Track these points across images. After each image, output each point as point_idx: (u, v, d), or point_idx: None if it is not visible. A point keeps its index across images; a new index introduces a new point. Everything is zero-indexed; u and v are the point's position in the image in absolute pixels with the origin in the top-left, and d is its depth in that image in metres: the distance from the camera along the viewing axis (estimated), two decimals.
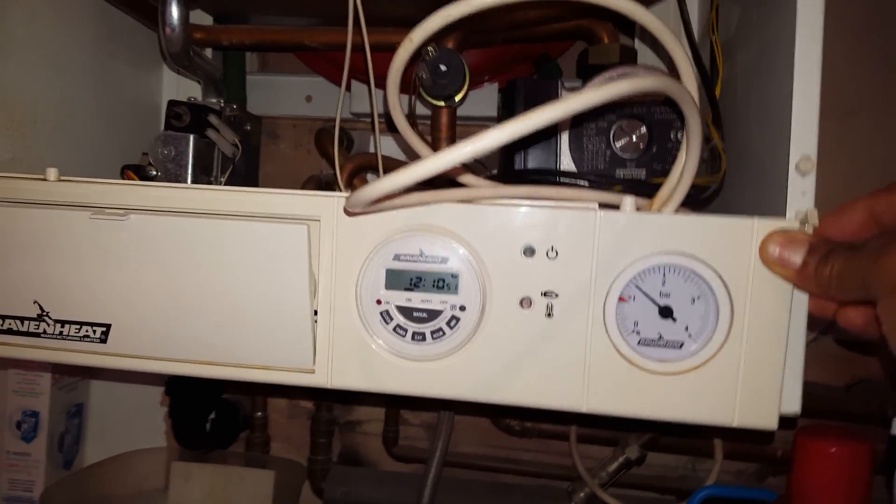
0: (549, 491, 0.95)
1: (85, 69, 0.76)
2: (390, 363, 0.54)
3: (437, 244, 0.53)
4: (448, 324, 0.53)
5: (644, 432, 0.89)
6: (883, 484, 0.70)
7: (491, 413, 0.98)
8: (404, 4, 0.73)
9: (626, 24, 0.83)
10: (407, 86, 0.80)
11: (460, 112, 0.72)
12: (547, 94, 0.64)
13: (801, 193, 0.52)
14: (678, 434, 0.92)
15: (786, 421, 0.52)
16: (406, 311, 0.53)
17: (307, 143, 1.03)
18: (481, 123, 0.95)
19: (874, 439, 0.67)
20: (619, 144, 0.64)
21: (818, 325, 0.53)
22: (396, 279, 0.53)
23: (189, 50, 0.73)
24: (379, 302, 0.54)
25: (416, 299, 0.53)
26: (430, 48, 0.62)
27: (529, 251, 0.52)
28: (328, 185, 0.83)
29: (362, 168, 0.77)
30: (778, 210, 0.53)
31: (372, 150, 0.93)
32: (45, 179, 0.57)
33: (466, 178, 0.59)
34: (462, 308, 0.53)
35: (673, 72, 0.55)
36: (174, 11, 0.70)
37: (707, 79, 0.64)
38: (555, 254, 0.51)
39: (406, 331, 0.53)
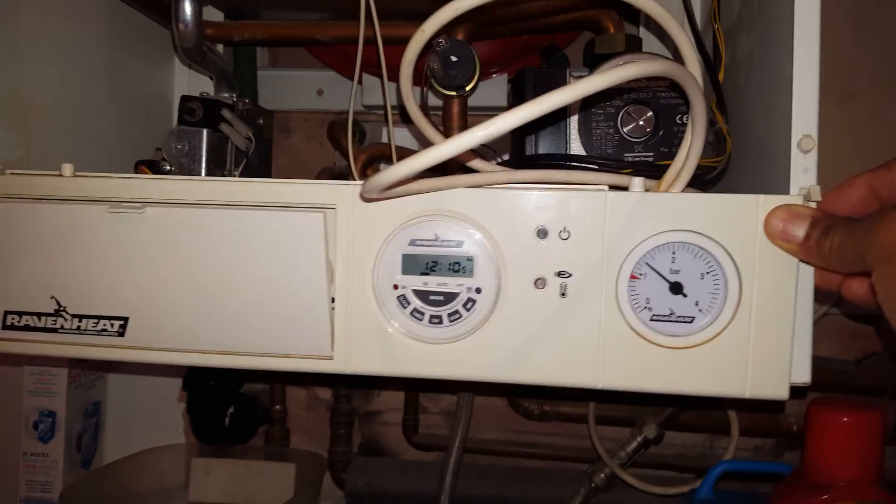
0: (568, 473, 0.96)
1: (96, 65, 0.77)
2: (408, 346, 0.55)
3: (452, 228, 0.54)
4: (464, 306, 0.54)
5: (661, 410, 0.91)
6: (894, 454, 0.71)
7: (509, 396, 1.00)
8: None
9: (630, 14, 0.84)
10: (418, 77, 0.82)
11: (471, 102, 0.74)
12: (555, 83, 0.65)
13: (803, 170, 0.53)
14: (695, 408, 0.93)
15: (799, 394, 0.53)
16: (423, 295, 0.54)
17: (319, 136, 1.04)
18: (491, 113, 0.96)
19: (886, 410, 0.68)
20: (626, 129, 0.65)
21: (827, 298, 0.54)
22: (413, 264, 0.54)
23: (202, 45, 0.74)
24: (396, 287, 0.55)
25: (433, 283, 0.54)
26: (440, 39, 0.63)
27: (542, 233, 0.53)
28: (342, 176, 0.84)
29: (375, 158, 0.79)
30: (781, 188, 0.54)
31: (384, 140, 0.94)
32: (60, 175, 0.58)
33: (478, 163, 0.61)
34: (478, 290, 0.54)
35: (678, 59, 0.56)
36: (187, 8, 0.71)
37: (710, 64, 0.65)
38: (567, 235, 0.53)
39: (423, 314, 0.55)
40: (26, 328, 0.59)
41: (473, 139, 0.41)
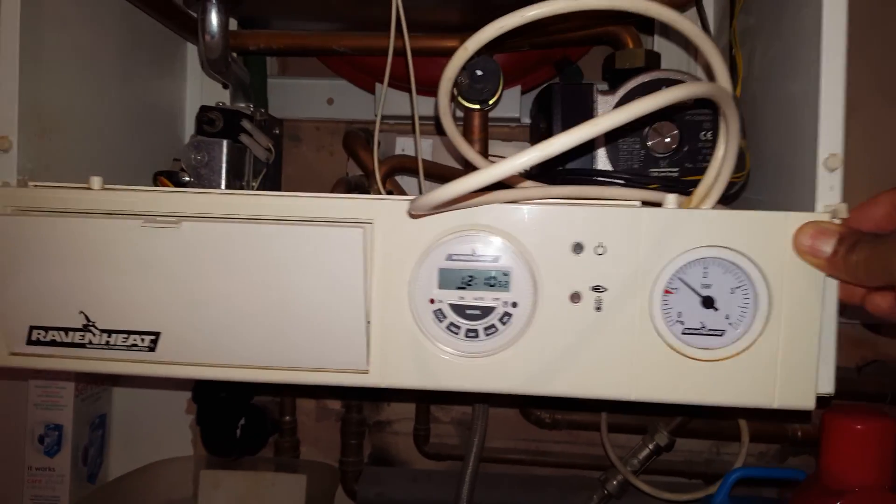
0: (581, 481, 0.97)
1: (111, 76, 0.76)
2: (444, 360, 0.56)
3: (488, 243, 0.54)
4: (500, 320, 0.55)
5: (672, 418, 0.92)
6: None
7: (521, 405, 1.00)
8: (444, 10, 0.75)
9: (644, 28, 0.86)
10: (431, 89, 0.83)
11: None
12: (582, 98, 0.66)
13: (829, 188, 0.55)
14: (705, 416, 0.95)
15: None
16: (459, 309, 0.55)
17: (329, 145, 1.04)
18: (503, 125, 0.98)
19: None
20: (651, 144, 0.66)
21: (851, 313, 0.55)
22: (449, 278, 0.55)
23: (227, 56, 0.74)
24: (432, 301, 0.55)
25: (469, 297, 0.55)
26: None
27: (578, 248, 0.54)
28: (357, 187, 0.84)
29: (395, 170, 0.79)
30: (804, 205, 0.56)
31: (398, 151, 0.95)
32: (89, 188, 0.58)
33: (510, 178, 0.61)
34: (514, 304, 0.55)
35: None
36: (214, 19, 0.71)
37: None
38: (603, 250, 0.53)
39: (459, 328, 0.55)
40: (52, 343, 0.58)
41: (532, 159, 0.42)
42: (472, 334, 0.55)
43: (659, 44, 0.87)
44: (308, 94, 1.01)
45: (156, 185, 0.74)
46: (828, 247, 0.51)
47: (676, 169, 0.66)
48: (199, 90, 0.94)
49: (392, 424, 1.07)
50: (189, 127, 0.94)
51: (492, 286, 0.55)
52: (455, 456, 1.03)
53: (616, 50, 0.74)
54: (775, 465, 1.01)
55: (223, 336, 0.57)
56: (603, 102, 0.67)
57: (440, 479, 0.98)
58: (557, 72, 0.90)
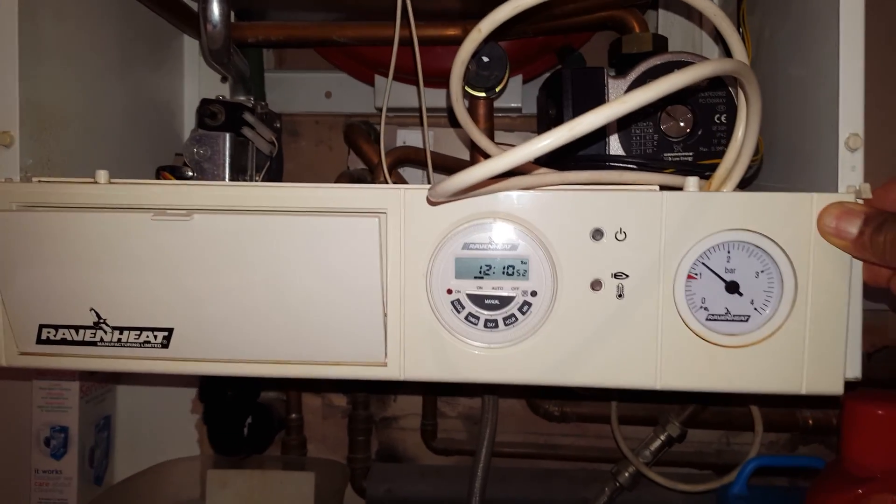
0: (592, 474, 0.96)
1: (109, 69, 0.75)
2: (464, 352, 0.55)
3: (505, 231, 0.53)
4: (520, 309, 0.54)
5: (683, 409, 0.91)
6: None
7: (529, 397, 0.99)
8: None
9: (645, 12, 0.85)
10: (432, 80, 0.81)
11: None
12: (592, 82, 0.65)
13: (850, 168, 0.54)
14: (718, 404, 0.94)
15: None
16: (477, 299, 0.54)
17: (328, 139, 1.03)
18: (505, 115, 0.97)
19: None
20: (665, 128, 0.65)
21: (873, 294, 0.55)
22: (466, 268, 0.54)
23: (230, 47, 0.73)
24: (450, 291, 0.54)
25: (487, 287, 0.54)
26: None
27: (598, 234, 0.53)
28: (360, 179, 0.83)
29: (400, 161, 0.78)
30: (823, 187, 0.55)
31: (399, 143, 0.93)
32: (95, 182, 0.56)
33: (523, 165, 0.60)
34: (533, 293, 0.54)
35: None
36: (216, 9, 0.69)
37: None
38: (623, 236, 0.52)
39: (478, 318, 0.54)
40: (63, 342, 0.57)
41: (559, 138, 0.40)
42: (491, 324, 0.54)
43: (664, 20, 0.86)
44: (305, 87, 1.00)
45: (158, 178, 0.73)
46: (853, 227, 0.50)
47: (691, 153, 0.65)
48: (197, 84, 0.93)
49: (399, 420, 1.05)
50: (188, 121, 0.93)
51: (510, 275, 0.54)
52: (463, 451, 1.02)
53: (621, 35, 0.73)
54: (786, 455, 1.00)
55: (237, 331, 0.55)
56: (614, 87, 0.66)
57: (448, 474, 0.97)
58: (560, 60, 0.89)
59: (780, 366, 0.53)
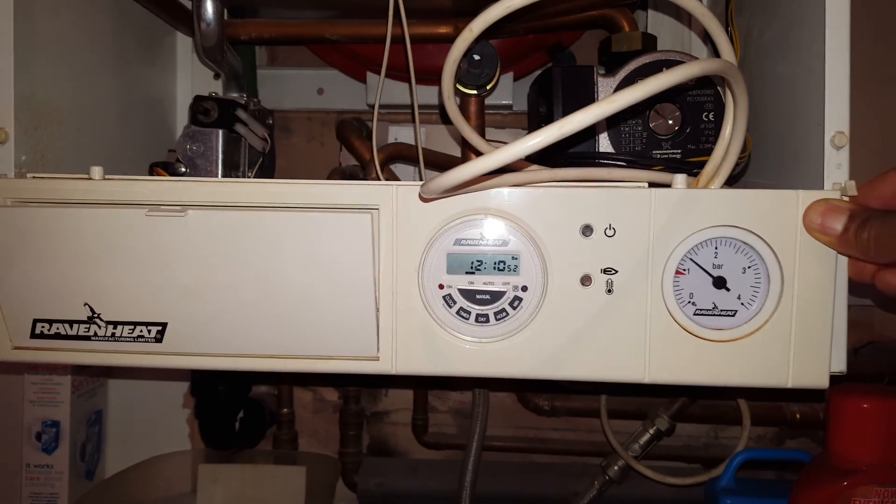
0: (582, 468, 0.97)
1: (103, 66, 0.75)
2: (455, 346, 0.55)
3: (496, 227, 0.54)
4: (511, 304, 0.54)
5: (671, 403, 0.92)
6: None
7: (519, 391, 1.00)
8: None
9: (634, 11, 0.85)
10: (424, 77, 0.82)
11: None
12: (583, 81, 0.66)
13: (836, 166, 0.55)
14: (706, 397, 0.95)
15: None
16: (468, 294, 0.55)
17: (321, 135, 1.03)
18: (496, 112, 0.97)
19: None
20: (654, 126, 0.66)
21: (860, 290, 0.56)
22: (457, 263, 0.54)
23: (223, 44, 0.73)
24: (441, 286, 0.55)
25: (478, 282, 0.55)
26: None
27: (588, 230, 0.53)
28: (352, 176, 0.83)
29: (392, 158, 0.79)
30: (809, 184, 0.56)
31: (391, 140, 0.94)
32: (89, 178, 0.57)
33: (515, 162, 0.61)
34: (524, 288, 0.54)
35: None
36: (209, 7, 0.70)
37: None
38: (612, 232, 0.53)
39: (469, 313, 0.55)
40: (57, 336, 0.58)
41: (549, 136, 0.41)
42: (482, 319, 0.55)
43: (653, 19, 0.87)
44: (297, 84, 1.00)
45: (151, 175, 0.73)
46: (838, 224, 0.51)
47: (679, 150, 0.66)
48: (190, 81, 0.93)
49: (390, 415, 1.06)
50: (181, 118, 0.93)
51: (501, 270, 0.54)
52: (454, 445, 1.02)
53: (611, 33, 0.73)
54: (773, 448, 1.01)
55: (231, 325, 0.56)
56: (604, 85, 0.67)
57: (440, 468, 0.98)
58: (550, 57, 0.90)
59: (767, 360, 0.54)
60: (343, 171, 0.86)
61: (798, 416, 0.95)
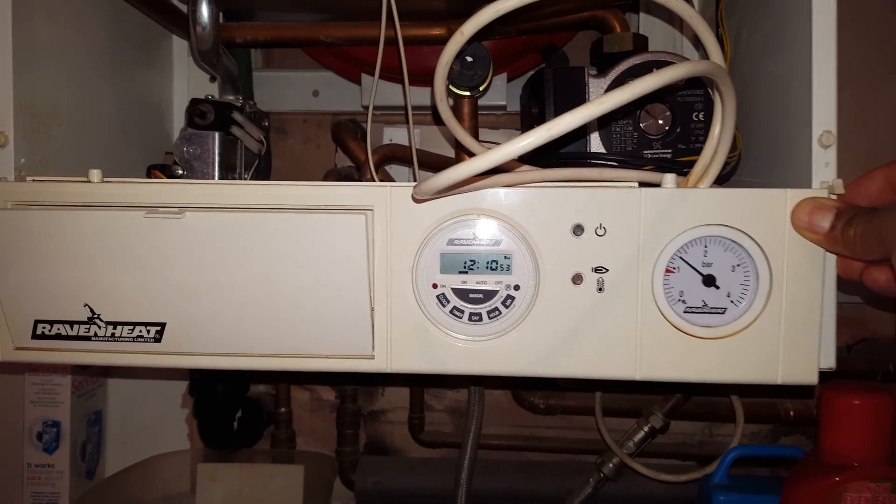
0: (577, 465, 0.98)
1: (100, 69, 0.76)
2: (449, 344, 0.56)
3: (489, 227, 0.55)
4: (503, 303, 0.55)
5: (666, 400, 0.93)
6: None
7: (514, 388, 1.01)
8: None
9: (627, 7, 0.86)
10: (418, 79, 0.83)
11: None
12: (574, 82, 0.66)
13: (824, 165, 0.56)
14: (701, 394, 0.96)
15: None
16: (462, 293, 0.55)
17: (316, 137, 1.04)
18: (490, 113, 0.98)
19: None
20: (644, 126, 0.66)
21: (847, 287, 0.56)
22: (451, 263, 0.55)
23: (218, 48, 0.74)
24: (435, 286, 0.56)
25: (472, 281, 0.55)
26: None
27: (579, 230, 0.54)
28: (347, 177, 0.84)
29: (387, 159, 0.79)
30: (797, 182, 0.57)
31: (385, 141, 0.95)
32: (88, 181, 0.57)
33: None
34: (516, 287, 0.55)
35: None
36: (205, 10, 0.71)
37: None
38: (603, 231, 0.54)
39: (463, 312, 0.56)
40: (58, 337, 0.59)
41: (538, 138, 0.42)
42: (475, 318, 0.56)
43: (644, 22, 0.88)
44: (293, 86, 1.01)
45: (149, 177, 0.74)
46: (825, 222, 0.52)
47: (669, 150, 0.66)
48: (186, 84, 0.94)
49: (386, 414, 1.07)
50: (177, 121, 0.94)
51: (493, 270, 0.55)
52: (450, 443, 1.03)
53: (603, 34, 0.74)
54: (766, 445, 1.02)
55: (228, 325, 0.57)
56: (595, 86, 0.68)
57: (436, 466, 0.99)
58: (543, 58, 0.91)
59: (757, 356, 0.55)
60: (339, 172, 0.87)
61: (792, 413, 0.96)
